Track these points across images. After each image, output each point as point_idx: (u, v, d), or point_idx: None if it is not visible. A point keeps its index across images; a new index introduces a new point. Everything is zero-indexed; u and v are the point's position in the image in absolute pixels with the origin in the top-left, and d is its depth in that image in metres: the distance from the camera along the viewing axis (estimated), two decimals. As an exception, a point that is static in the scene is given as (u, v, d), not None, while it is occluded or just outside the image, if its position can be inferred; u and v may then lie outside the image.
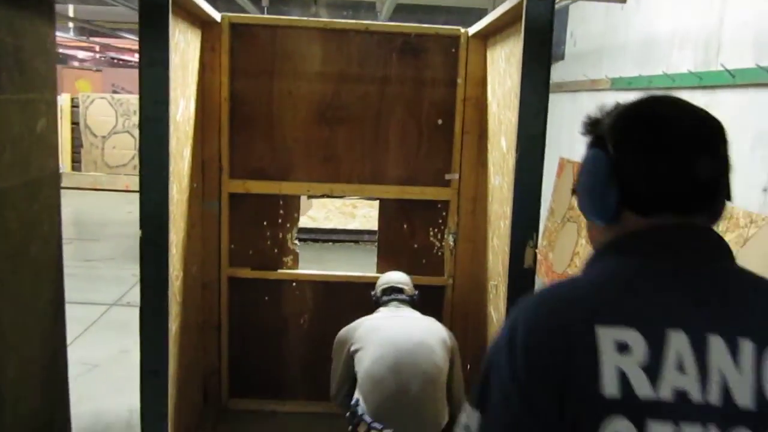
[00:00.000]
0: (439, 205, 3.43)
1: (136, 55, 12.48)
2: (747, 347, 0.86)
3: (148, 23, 2.21)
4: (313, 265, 4.42)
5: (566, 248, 5.96)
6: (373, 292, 3.04)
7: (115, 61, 18.07)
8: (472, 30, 3.20)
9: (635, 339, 0.86)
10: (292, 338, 3.51)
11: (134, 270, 6.01)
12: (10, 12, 2.15)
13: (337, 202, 8.54)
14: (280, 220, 3.42)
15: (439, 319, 3.51)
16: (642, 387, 0.84)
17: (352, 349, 2.67)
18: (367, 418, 2.47)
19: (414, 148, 3.37)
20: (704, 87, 4.24)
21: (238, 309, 3.48)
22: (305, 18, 4.23)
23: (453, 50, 3.28)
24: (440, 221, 3.45)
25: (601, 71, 5.75)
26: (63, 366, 2.72)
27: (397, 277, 3.04)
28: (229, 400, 3.56)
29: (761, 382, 0.85)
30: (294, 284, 3.47)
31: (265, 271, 3.43)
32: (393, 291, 2.95)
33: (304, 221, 7.36)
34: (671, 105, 1.00)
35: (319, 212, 8.24)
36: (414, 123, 3.34)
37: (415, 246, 3.47)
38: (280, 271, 3.44)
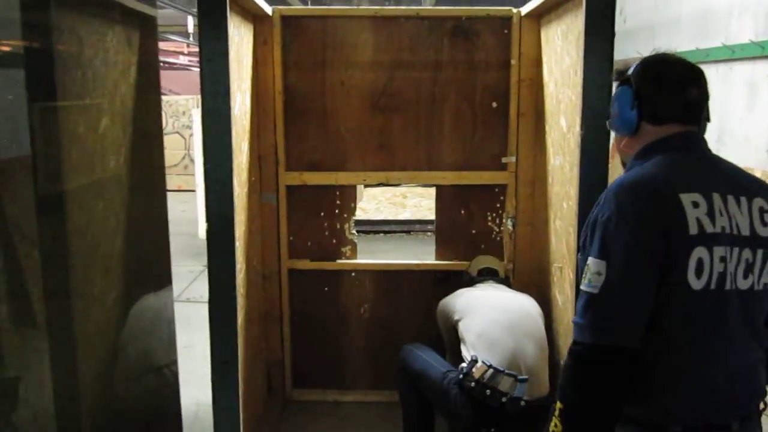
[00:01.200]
0: (497, 190, 3.39)
1: (182, 57, 12.63)
2: (744, 200, 1.42)
3: (207, 18, 2.23)
4: (368, 255, 4.43)
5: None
6: (466, 273, 3.17)
7: (163, 63, 18.42)
8: (525, 9, 3.15)
9: (699, 199, 1.38)
10: (352, 328, 3.52)
11: (191, 267, 6.17)
12: (73, 19, 2.20)
13: (387, 193, 8.55)
14: (337, 211, 3.43)
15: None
16: (708, 226, 1.37)
17: (455, 318, 2.73)
18: (500, 367, 2.43)
19: (469, 133, 3.33)
20: (767, 57, 4.09)
21: (298, 300, 3.50)
22: (356, 6, 4.22)
23: (505, 31, 3.23)
24: (498, 206, 3.41)
25: (655, 47, 5.60)
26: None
27: (490, 261, 3.18)
28: (293, 391, 3.59)
29: (752, 219, 1.41)
30: (353, 274, 3.47)
31: (324, 262, 3.44)
32: (488, 272, 3.07)
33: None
34: (671, 57, 1.54)
35: (370, 204, 8.25)
36: (468, 107, 3.30)
37: (474, 231, 3.43)
38: (339, 261, 3.45)
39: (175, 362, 2.85)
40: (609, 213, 1.39)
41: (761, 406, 1.49)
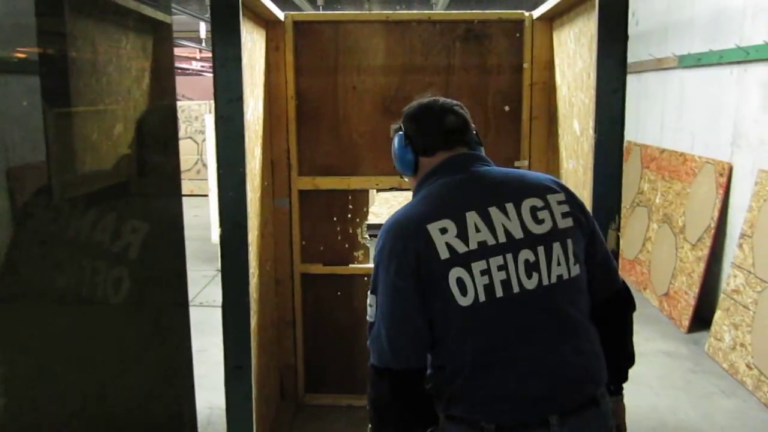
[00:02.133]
0: (509, 194, 3.37)
1: (195, 63, 12.72)
2: (510, 206, 1.52)
3: (220, 24, 2.25)
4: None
5: (636, 233, 5.81)
6: None
7: (176, 69, 18.51)
8: (537, 13, 3.14)
9: (448, 224, 1.49)
10: (365, 332, 3.51)
11: (204, 271, 6.20)
12: (88, 25, 2.22)
13: (400, 197, 8.53)
14: (349, 215, 3.43)
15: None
16: (460, 247, 1.48)
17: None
18: None
19: (481, 136, 3.28)
20: (782, 58, 4.06)
21: (311, 305, 3.50)
22: (366, 12, 4.23)
23: (517, 35, 3.22)
24: (511, 209, 3.39)
25: (667, 49, 5.57)
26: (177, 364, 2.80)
27: None
28: (305, 396, 3.59)
29: (522, 221, 1.51)
30: (366, 278, 3.47)
31: (336, 266, 3.44)
32: None
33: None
34: (427, 99, 1.74)
35: (382, 208, 8.24)
36: (480, 111, 3.30)
37: (486, 236, 3.42)
38: (351, 265, 3.45)
39: (190, 366, 2.86)
40: (378, 251, 1.56)
41: (596, 397, 1.53)
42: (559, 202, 1.56)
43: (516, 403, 1.49)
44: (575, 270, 1.54)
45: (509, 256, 1.48)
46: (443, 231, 1.49)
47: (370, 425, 1.62)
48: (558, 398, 1.49)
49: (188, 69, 16.69)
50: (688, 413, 3.64)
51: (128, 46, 2.35)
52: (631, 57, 6.14)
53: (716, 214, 4.62)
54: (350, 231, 3.45)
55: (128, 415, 2.29)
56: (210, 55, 2.36)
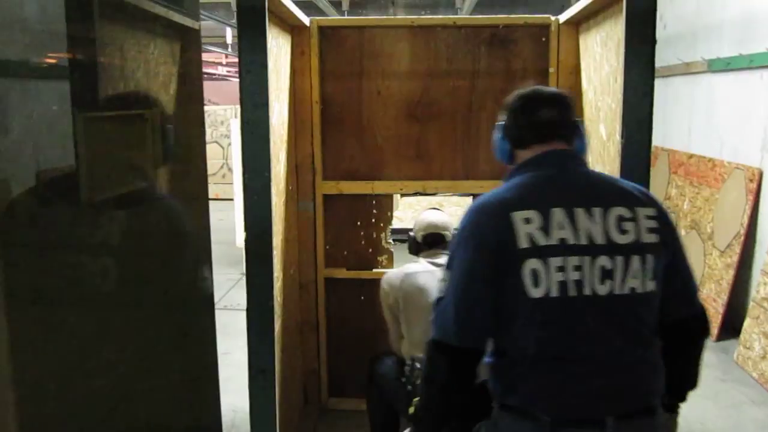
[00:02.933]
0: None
1: (221, 68, 12.81)
2: (597, 211, 1.53)
3: (246, 30, 2.26)
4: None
5: (664, 240, 5.73)
6: (412, 233, 2.97)
7: (203, 74, 18.67)
8: (563, 17, 3.12)
9: (533, 215, 1.51)
10: (388, 337, 3.51)
11: (229, 275, 6.23)
12: (117, 31, 2.25)
13: (423, 201, 8.53)
14: (373, 220, 3.43)
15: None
16: (540, 239, 1.49)
17: (398, 307, 2.79)
18: (419, 365, 2.57)
19: (506, 142, 3.30)
20: (815, 62, 3.98)
21: (335, 309, 3.51)
22: (392, 17, 4.24)
23: (543, 39, 3.21)
24: (536, 215, 3.37)
25: (696, 53, 5.50)
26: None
27: (437, 221, 2.94)
28: (329, 400, 3.59)
29: (606, 228, 1.51)
30: (389, 283, 3.46)
31: (360, 271, 3.44)
32: (434, 239, 2.89)
33: (390, 222, 7.37)
34: (529, 89, 1.72)
35: (406, 213, 8.24)
36: (505, 116, 3.28)
37: (511, 241, 3.40)
38: (375, 270, 3.44)
39: (215, 369, 2.87)
40: (461, 229, 1.61)
41: (653, 406, 1.56)
42: (648, 217, 1.55)
43: (576, 399, 1.51)
44: (650, 285, 1.54)
45: (587, 259, 1.49)
46: (527, 221, 1.51)
47: (417, 399, 1.69)
48: (616, 401, 1.52)
49: (214, 74, 16.84)
50: (716, 423, 3.58)
51: (156, 51, 2.37)
52: (659, 61, 6.07)
53: (746, 220, 4.54)
54: (374, 236, 3.45)
55: (153, 417, 2.31)
56: (236, 60, 2.38)
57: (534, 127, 1.65)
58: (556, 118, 1.66)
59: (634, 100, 2.16)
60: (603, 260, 1.50)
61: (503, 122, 1.72)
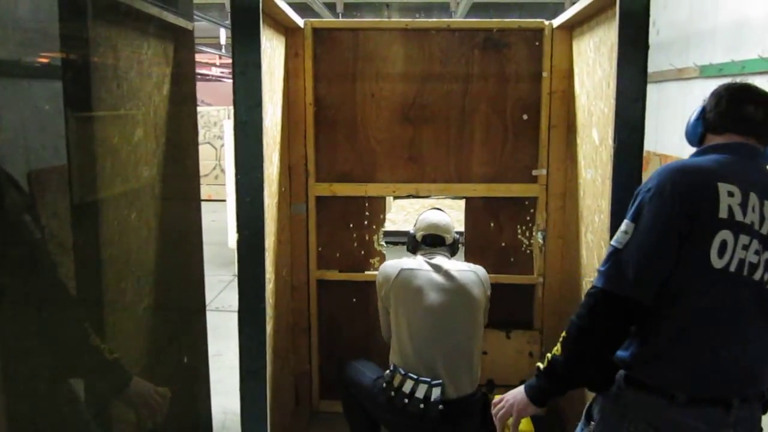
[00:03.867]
0: (527, 202, 3.37)
1: (214, 69, 12.76)
2: None
3: (240, 31, 2.26)
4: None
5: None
6: (412, 231, 2.99)
7: (196, 75, 18.65)
8: (557, 22, 3.13)
9: (735, 191, 1.55)
10: (380, 340, 3.50)
11: (221, 276, 6.22)
12: (110, 31, 2.24)
13: (416, 204, 8.53)
14: (366, 222, 3.43)
15: (530, 319, 3.46)
16: (738, 215, 1.53)
17: (389, 304, 2.81)
18: (413, 375, 2.62)
19: (499, 145, 3.31)
20: (806, 69, 4.00)
21: (327, 311, 3.50)
22: (386, 19, 4.24)
23: (537, 43, 3.22)
24: (528, 218, 3.38)
25: (688, 59, 5.53)
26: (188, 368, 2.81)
27: (439, 222, 2.96)
28: (320, 402, 3.59)
29: None
30: (381, 286, 3.46)
31: (352, 273, 3.44)
32: (434, 241, 2.91)
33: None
34: (738, 83, 1.77)
35: (399, 215, 8.24)
36: (499, 119, 3.29)
37: (503, 244, 3.41)
38: (367, 272, 3.44)
39: (206, 371, 2.87)
40: (651, 186, 1.59)
41: (765, 393, 1.63)
42: None
43: (716, 379, 1.56)
44: None
45: (760, 246, 1.55)
46: (730, 194, 1.54)
47: (555, 353, 1.63)
48: (745, 384, 1.59)
49: (208, 75, 16.82)
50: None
51: (150, 52, 2.37)
52: (652, 66, 6.11)
53: (737, 225, 4.56)
54: (366, 238, 3.45)
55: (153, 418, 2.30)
56: (229, 61, 2.38)
57: (735, 118, 1.70)
58: (760, 117, 1.70)
59: (627, 105, 2.17)
60: None
61: (704, 106, 1.77)
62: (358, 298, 3.47)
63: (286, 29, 3.13)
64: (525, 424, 1.77)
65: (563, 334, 1.64)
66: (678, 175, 1.58)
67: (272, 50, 2.76)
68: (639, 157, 2.20)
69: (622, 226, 1.60)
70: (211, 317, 2.85)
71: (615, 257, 1.58)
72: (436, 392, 2.56)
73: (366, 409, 2.84)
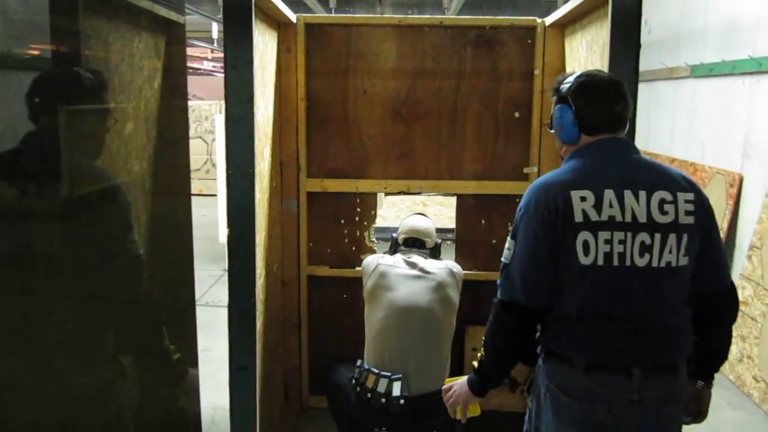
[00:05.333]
0: (518, 200, 3.33)
1: (206, 63, 12.71)
2: (643, 194, 1.75)
3: (232, 24, 2.25)
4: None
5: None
6: (394, 235, 3.10)
7: (188, 69, 18.56)
8: (549, 19, 3.14)
9: (588, 194, 1.74)
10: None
11: (211, 271, 6.21)
12: (101, 24, 2.23)
13: (407, 200, 8.54)
14: (357, 218, 3.43)
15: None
16: (592, 215, 1.73)
17: (364, 296, 2.89)
18: (375, 370, 2.69)
19: (491, 142, 3.32)
20: (795, 70, 4.03)
21: (317, 307, 3.50)
22: (379, 15, 4.23)
23: (529, 41, 3.22)
24: (519, 216, 3.38)
25: (680, 59, 5.56)
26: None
27: (420, 226, 3.06)
28: (310, 398, 3.59)
29: (649, 209, 1.74)
30: (372, 282, 3.46)
31: (343, 269, 3.44)
32: (414, 243, 3.01)
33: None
34: (597, 77, 1.88)
35: (390, 211, 8.25)
36: (490, 117, 3.30)
37: (494, 241, 3.41)
38: (358, 268, 3.44)
39: (195, 366, 2.86)
40: (522, 205, 1.84)
41: (676, 366, 1.80)
42: (686, 201, 1.78)
43: (607, 350, 1.77)
44: (683, 261, 1.77)
45: (629, 235, 1.73)
46: (583, 199, 1.74)
47: (481, 354, 1.91)
48: (643, 356, 1.77)
49: (199, 69, 16.75)
50: (693, 425, 3.61)
51: (141, 45, 2.35)
52: (643, 65, 6.13)
53: (725, 225, 4.59)
54: (357, 234, 3.45)
55: (131, 414, 2.29)
56: (221, 55, 2.37)
57: (609, 118, 1.85)
58: (625, 110, 1.87)
59: (618, 104, 2.17)
60: (642, 236, 1.73)
61: (573, 108, 1.85)
62: (348, 294, 3.47)
63: (279, 24, 3.12)
64: (473, 407, 2.05)
65: (483, 338, 1.93)
66: (538, 193, 1.80)
67: (264, 45, 2.75)
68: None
69: (507, 244, 1.85)
70: (201, 312, 2.84)
71: (505, 271, 1.83)
72: (396, 387, 2.61)
73: (347, 411, 2.85)
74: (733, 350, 4.18)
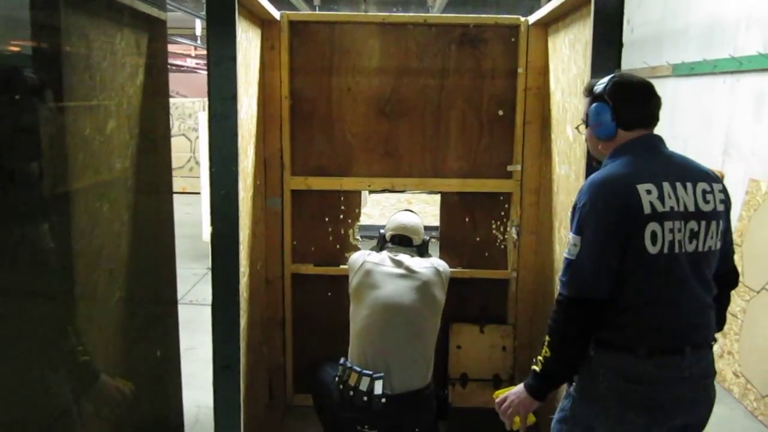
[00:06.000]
0: (501, 198, 3.39)
1: (190, 60, 12.60)
2: (689, 185, 1.87)
3: (215, 22, 2.24)
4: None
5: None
6: (382, 231, 3.10)
7: (170, 66, 18.43)
8: (533, 18, 3.15)
9: (652, 187, 1.82)
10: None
11: (195, 269, 6.18)
12: (81, 20, 2.21)
13: (392, 198, 8.54)
14: (341, 216, 3.43)
15: (504, 313, 3.49)
16: (658, 207, 1.81)
17: (350, 292, 2.89)
18: (357, 368, 2.68)
19: (474, 141, 3.33)
20: (775, 69, 4.07)
21: (301, 305, 3.50)
22: (363, 13, 4.23)
23: (513, 40, 3.23)
24: (503, 214, 3.40)
25: (662, 57, 5.60)
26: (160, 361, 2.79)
27: (408, 223, 3.05)
28: (294, 396, 3.59)
29: (696, 199, 1.86)
30: (356, 280, 3.46)
31: (327, 267, 3.44)
32: (401, 241, 2.99)
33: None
34: (634, 77, 1.98)
35: (374, 209, 8.24)
36: (474, 115, 3.31)
37: (478, 239, 3.43)
38: (342, 266, 3.44)
39: (178, 364, 2.85)
40: (585, 201, 1.86)
41: (712, 341, 1.95)
42: (719, 191, 1.92)
43: (667, 335, 1.86)
44: (718, 245, 1.91)
45: (682, 223, 1.84)
46: (648, 192, 1.82)
47: (544, 356, 1.91)
48: (693, 335, 1.89)
49: (183, 66, 16.62)
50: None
51: (123, 42, 2.34)
52: (626, 64, 6.15)
53: (707, 222, 4.63)
54: (342, 232, 3.44)
55: (114, 412, 2.28)
56: (205, 52, 2.35)
57: (645, 115, 1.95)
58: (656, 108, 1.97)
59: (600, 102, 2.19)
60: (692, 224, 1.85)
61: (611, 105, 1.93)
62: (333, 292, 3.47)
63: (262, 21, 3.10)
64: (531, 415, 2.03)
65: (546, 337, 1.91)
66: (604, 188, 1.85)
67: (248, 42, 2.74)
68: (612, 154, 2.22)
69: (571, 240, 1.87)
70: (184, 311, 2.83)
71: (572, 267, 1.86)
72: (378, 385, 2.62)
73: (331, 409, 2.85)
74: (714, 346, 4.22)
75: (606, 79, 1.97)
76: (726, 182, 4.53)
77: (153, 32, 2.54)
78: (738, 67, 4.35)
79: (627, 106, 1.94)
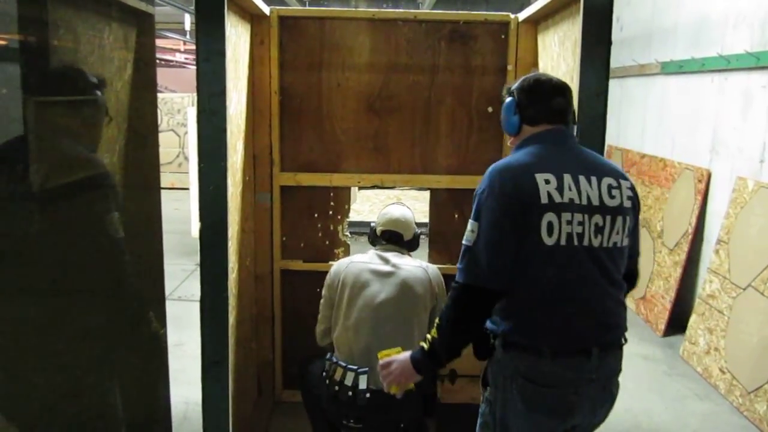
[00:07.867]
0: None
1: (179, 55, 12.56)
2: (594, 179, 1.86)
3: (204, 17, 2.23)
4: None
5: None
6: (373, 224, 3.03)
7: (159, 61, 18.34)
8: (522, 15, 3.15)
9: (551, 177, 1.81)
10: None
11: (184, 265, 6.15)
12: (69, 13, 2.20)
13: (381, 195, 8.54)
14: (331, 212, 3.42)
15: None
16: (556, 197, 1.79)
17: (336, 298, 2.84)
18: (342, 363, 2.69)
19: (464, 137, 3.33)
20: (762, 67, 4.11)
21: (290, 301, 3.49)
22: (353, 9, 4.22)
23: (502, 36, 3.24)
24: (492, 210, 3.40)
25: (650, 55, 5.63)
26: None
27: (399, 218, 2.99)
28: (283, 392, 3.58)
29: (600, 193, 1.84)
30: (346, 276, 3.46)
31: (317, 263, 3.43)
32: (392, 237, 2.94)
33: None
34: (542, 76, 2.01)
35: (364, 205, 8.25)
36: (464, 111, 3.31)
37: (467, 236, 3.43)
38: (331, 263, 3.43)
39: (165, 360, 2.83)
40: (484, 187, 1.84)
41: (622, 340, 1.92)
42: (627, 188, 1.91)
43: (571, 335, 1.84)
44: (625, 241, 1.90)
45: (586, 216, 1.82)
46: (546, 181, 1.80)
47: (433, 336, 1.90)
48: (600, 335, 1.86)
49: (172, 61, 16.54)
50: (662, 416, 3.68)
51: (111, 36, 2.32)
52: (615, 62, 6.21)
53: (694, 219, 4.67)
54: (331, 228, 3.44)
55: (102, 408, 2.27)
56: (194, 47, 2.34)
57: (548, 111, 1.95)
58: (565, 106, 1.97)
59: (589, 100, 2.20)
60: (597, 218, 1.83)
61: (515, 100, 1.98)
62: (322, 288, 3.46)
63: (252, 16, 3.09)
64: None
65: (437, 321, 1.91)
66: (503, 175, 1.83)
67: (237, 37, 2.73)
68: (601, 151, 2.23)
69: (469, 226, 1.84)
70: (173, 307, 2.82)
71: (468, 254, 1.82)
72: (362, 380, 2.62)
73: (319, 404, 2.85)
74: (701, 342, 4.26)
75: (521, 79, 2.03)
76: (713, 180, 4.57)
77: (141, 27, 2.52)
78: (726, 65, 4.38)
79: (530, 102, 1.96)
